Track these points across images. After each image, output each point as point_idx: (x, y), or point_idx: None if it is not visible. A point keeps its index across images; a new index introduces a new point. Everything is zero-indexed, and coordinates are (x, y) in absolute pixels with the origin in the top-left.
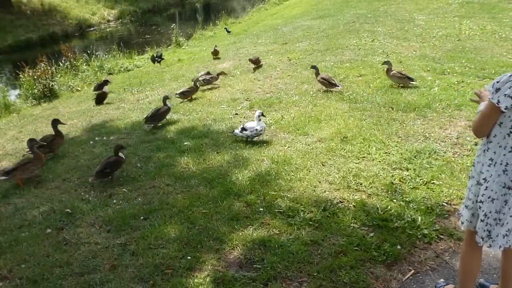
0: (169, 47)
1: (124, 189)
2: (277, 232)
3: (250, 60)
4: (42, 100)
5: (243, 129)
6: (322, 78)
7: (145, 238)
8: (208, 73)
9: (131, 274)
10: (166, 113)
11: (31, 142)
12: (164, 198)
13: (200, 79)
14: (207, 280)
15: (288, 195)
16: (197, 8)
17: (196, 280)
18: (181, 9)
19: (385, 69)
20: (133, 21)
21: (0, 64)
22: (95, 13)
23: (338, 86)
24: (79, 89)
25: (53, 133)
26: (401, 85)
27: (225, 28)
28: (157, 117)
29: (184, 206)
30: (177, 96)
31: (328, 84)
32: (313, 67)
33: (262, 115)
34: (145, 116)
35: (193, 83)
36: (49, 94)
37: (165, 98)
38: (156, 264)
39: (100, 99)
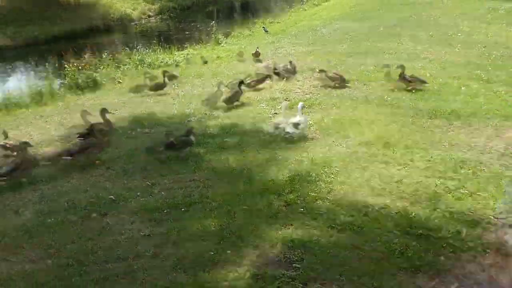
0: (208, 44)
1: (165, 181)
2: (317, 234)
3: (285, 70)
4: (86, 90)
5: (296, 124)
6: (329, 76)
7: (186, 229)
8: (287, 67)
9: (173, 263)
10: (238, 95)
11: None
12: (204, 192)
13: (279, 69)
14: (247, 275)
15: (329, 198)
16: (235, 7)
17: (236, 274)
18: (219, 7)
19: (398, 73)
20: (172, 17)
21: (46, 53)
22: (136, 8)
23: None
24: (121, 81)
25: (101, 122)
26: (412, 87)
27: (263, 27)
28: (232, 98)
29: (224, 201)
30: (248, 82)
31: (338, 80)
32: (321, 70)
33: (304, 107)
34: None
35: (267, 73)
36: (92, 85)
37: (240, 82)
38: (197, 255)
39: (157, 87)
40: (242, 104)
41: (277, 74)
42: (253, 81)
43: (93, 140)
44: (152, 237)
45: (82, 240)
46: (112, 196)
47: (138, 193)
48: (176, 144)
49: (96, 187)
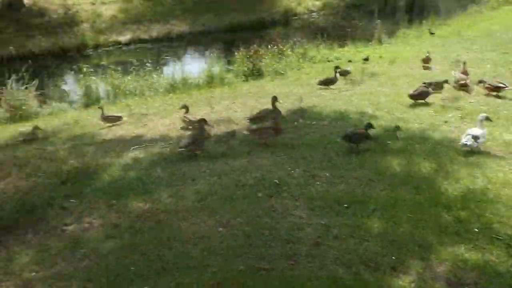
0: (370, 43)
1: (327, 174)
2: (494, 260)
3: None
4: (250, 78)
5: (476, 137)
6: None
7: (348, 225)
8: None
9: (334, 255)
10: (428, 94)
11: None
12: (366, 191)
13: (456, 76)
14: (412, 285)
15: (509, 223)
16: (400, 6)
17: (400, 282)
18: (383, 5)
19: None
20: (335, 13)
21: (217, 41)
22: (301, 3)
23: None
24: (282, 72)
25: (270, 109)
26: None
27: (428, 29)
28: (423, 95)
29: (388, 205)
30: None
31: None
32: (481, 81)
33: (488, 119)
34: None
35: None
36: (257, 74)
37: (445, 81)
38: (359, 254)
39: (328, 82)
40: (408, 109)
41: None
42: (431, 85)
43: (269, 124)
44: (313, 226)
45: (249, 216)
46: (276, 180)
47: (301, 182)
48: (354, 137)
49: (262, 169)
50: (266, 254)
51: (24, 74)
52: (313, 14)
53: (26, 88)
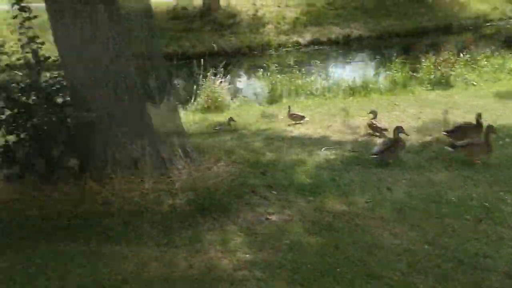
0: None
1: None
2: None
3: None
4: (436, 86)
5: None
6: None
7: None
8: None
9: None
10: None
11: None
12: None
13: None
14: None
15: None
16: None
17: None
18: None
19: None
20: None
21: (397, 45)
22: (497, 8)
23: None
24: (475, 84)
25: (471, 123)
26: None
27: None
28: None
29: None
30: None
31: None
32: None
33: None
34: None
35: None
36: (444, 83)
37: None
38: None
39: None
40: None
41: None
42: None
43: (480, 141)
44: None
45: (459, 238)
46: (486, 204)
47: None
48: None
49: (465, 188)
50: (483, 284)
51: (221, 69)
52: (510, 20)
53: (221, 82)
